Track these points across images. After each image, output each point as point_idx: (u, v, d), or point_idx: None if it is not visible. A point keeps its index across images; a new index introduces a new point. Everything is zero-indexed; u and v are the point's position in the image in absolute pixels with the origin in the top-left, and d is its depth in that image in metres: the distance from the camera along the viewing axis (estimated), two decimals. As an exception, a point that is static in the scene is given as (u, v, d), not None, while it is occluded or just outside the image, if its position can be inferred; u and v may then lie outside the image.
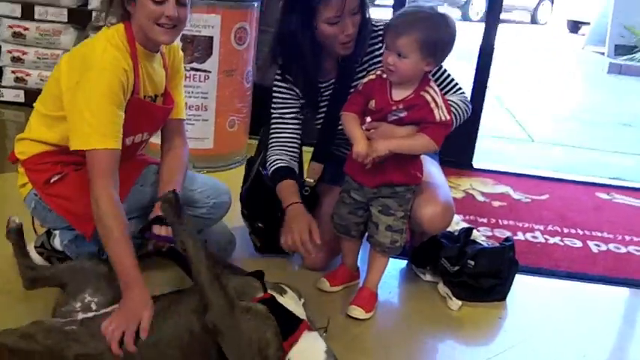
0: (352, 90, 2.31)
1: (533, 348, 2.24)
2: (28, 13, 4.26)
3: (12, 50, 4.35)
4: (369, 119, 2.15)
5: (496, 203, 3.52)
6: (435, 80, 2.22)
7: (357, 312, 2.26)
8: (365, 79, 2.19)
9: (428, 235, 2.58)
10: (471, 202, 3.48)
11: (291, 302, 1.82)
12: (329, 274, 2.47)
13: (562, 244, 3.07)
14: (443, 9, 2.21)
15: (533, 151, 4.78)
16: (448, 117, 2.11)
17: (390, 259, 2.41)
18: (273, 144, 2.44)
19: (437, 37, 2.04)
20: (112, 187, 1.92)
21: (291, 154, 2.44)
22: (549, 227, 3.25)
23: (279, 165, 2.40)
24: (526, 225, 3.24)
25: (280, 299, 1.80)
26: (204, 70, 3.37)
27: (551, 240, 3.10)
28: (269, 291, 1.82)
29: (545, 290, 2.68)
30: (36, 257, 2.25)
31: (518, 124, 5.52)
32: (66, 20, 4.26)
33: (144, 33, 2.04)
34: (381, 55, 2.30)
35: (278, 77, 2.40)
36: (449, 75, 2.34)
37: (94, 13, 4.22)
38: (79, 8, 4.29)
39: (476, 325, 2.35)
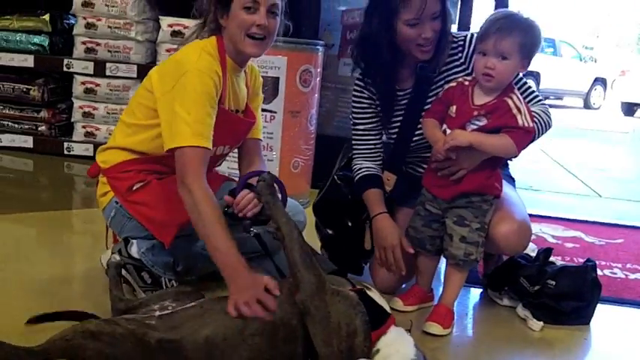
0: (429, 100, 2.30)
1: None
2: (99, 70, 4.44)
3: (83, 106, 4.52)
4: (448, 130, 2.13)
5: (569, 245, 3.40)
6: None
7: (435, 328, 2.16)
8: (446, 87, 2.19)
9: (503, 259, 2.51)
10: (542, 243, 3.35)
11: (377, 297, 1.78)
12: (402, 294, 2.38)
13: (644, 279, 2.92)
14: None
15: (602, 205, 4.65)
16: (531, 124, 2.07)
17: (465, 287, 2.33)
18: (358, 153, 2.44)
19: (533, 40, 2.07)
20: (204, 181, 1.93)
21: (377, 162, 2.43)
22: (628, 265, 3.11)
23: (366, 173, 2.40)
24: (603, 263, 3.10)
25: (369, 293, 1.76)
26: (271, 111, 3.42)
27: (632, 276, 2.95)
28: (357, 286, 1.78)
29: (631, 318, 2.53)
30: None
31: (583, 183, 5.40)
32: (135, 76, 4.42)
33: (234, 45, 2.10)
34: (459, 65, 2.31)
35: (357, 87, 2.41)
36: (530, 86, 2.31)
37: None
38: (148, 64, 4.46)
39: (560, 346, 2.22)
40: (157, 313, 1.76)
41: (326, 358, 1.62)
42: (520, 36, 2.03)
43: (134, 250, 2.24)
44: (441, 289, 2.32)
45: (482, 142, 2.06)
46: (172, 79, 2.00)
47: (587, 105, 17.09)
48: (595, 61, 17.83)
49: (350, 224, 2.45)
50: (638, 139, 9.75)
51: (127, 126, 2.20)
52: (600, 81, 17.10)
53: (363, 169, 2.41)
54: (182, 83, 1.97)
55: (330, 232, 2.50)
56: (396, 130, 2.41)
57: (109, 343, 1.61)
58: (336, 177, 2.53)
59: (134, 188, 2.17)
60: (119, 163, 2.19)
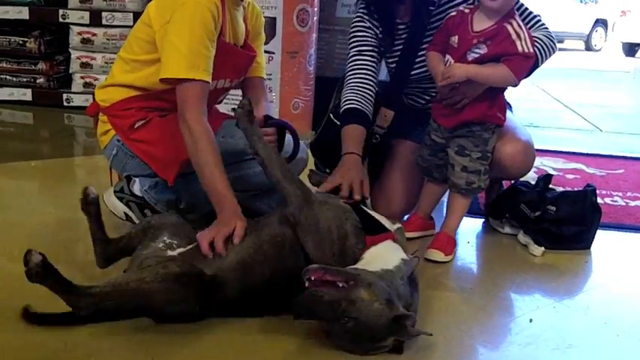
0: (428, 33, 2.29)
1: (621, 286, 2.15)
2: (95, 20, 4.40)
3: (81, 57, 4.49)
4: (451, 60, 2.12)
5: (570, 176, 3.41)
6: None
7: (436, 255, 2.20)
8: (446, 18, 2.18)
9: (503, 187, 2.53)
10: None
11: (380, 217, 1.82)
12: (403, 222, 2.40)
13: (644, 206, 2.95)
14: None
15: (603, 139, 4.65)
16: (532, 49, 2.06)
17: (466, 217, 2.35)
18: (349, 83, 2.38)
19: None
20: (204, 116, 1.92)
21: (366, 94, 2.35)
22: (629, 193, 3.13)
23: (350, 106, 2.32)
24: (604, 192, 3.12)
25: (368, 211, 1.82)
26: (269, 52, 3.40)
27: (632, 203, 2.98)
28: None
29: (632, 243, 2.57)
30: (116, 203, 2.25)
31: (584, 119, 5.39)
32: (131, 24, 4.33)
33: None
34: None
35: (359, 17, 2.39)
36: (531, 12, 2.29)
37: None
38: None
39: (562, 269, 2.25)
40: (169, 253, 1.74)
41: (317, 260, 1.66)
42: None
43: (136, 188, 2.25)
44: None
45: (478, 73, 2.05)
46: (170, 11, 1.97)
47: (588, 47, 16.89)
48: (596, 3, 17.58)
49: None
50: (639, 78, 9.67)
51: (125, 62, 2.16)
52: (601, 22, 16.86)
53: (349, 102, 2.33)
54: (180, 14, 1.94)
55: (328, 171, 2.48)
56: (394, 64, 2.40)
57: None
58: (331, 115, 2.50)
59: (136, 126, 2.14)
60: (120, 101, 2.15)
